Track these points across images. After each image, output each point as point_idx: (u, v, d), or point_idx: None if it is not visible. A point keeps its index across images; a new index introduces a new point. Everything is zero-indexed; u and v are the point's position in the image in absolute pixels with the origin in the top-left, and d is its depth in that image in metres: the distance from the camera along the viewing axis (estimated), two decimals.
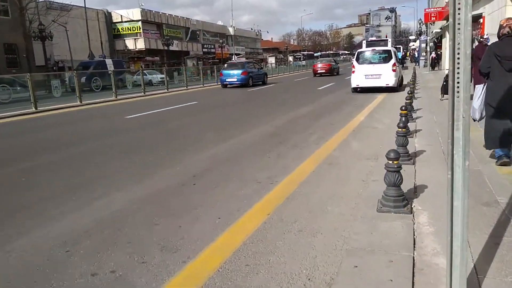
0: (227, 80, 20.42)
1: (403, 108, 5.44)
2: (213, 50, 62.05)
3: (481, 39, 8.19)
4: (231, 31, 69.97)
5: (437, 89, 13.06)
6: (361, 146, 5.80)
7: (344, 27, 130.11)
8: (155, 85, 23.18)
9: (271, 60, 66.48)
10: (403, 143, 4.52)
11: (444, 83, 6.64)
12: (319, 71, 29.87)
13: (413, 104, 8.17)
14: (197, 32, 61.69)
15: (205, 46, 62.87)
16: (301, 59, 70.55)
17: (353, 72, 14.20)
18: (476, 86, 4.91)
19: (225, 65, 23.06)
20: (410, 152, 4.63)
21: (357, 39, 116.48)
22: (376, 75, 13.68)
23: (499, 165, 4.03)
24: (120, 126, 9.09)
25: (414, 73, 18.16)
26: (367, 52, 14.42)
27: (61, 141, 7.43)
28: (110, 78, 21.40)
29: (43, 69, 27.44)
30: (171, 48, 52.67)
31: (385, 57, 13.90)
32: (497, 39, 4.18)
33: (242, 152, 5.75)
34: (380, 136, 6.35)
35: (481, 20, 11.09)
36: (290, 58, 75.78)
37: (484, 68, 4.17)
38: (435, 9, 23.05)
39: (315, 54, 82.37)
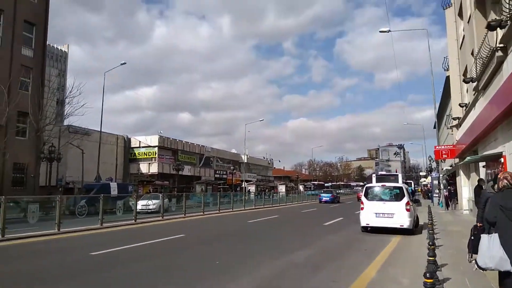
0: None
1: (428, 276, 3.87)
2: (225, 176, 62.85)
3: None
4: (244, 158, 72.03)
5: (460, 235, 11.36)
6: None
7: (354, 160, 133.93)
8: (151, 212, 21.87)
9: (281, 188, 66.24)
10: None
11: (472, 237, 5.16)
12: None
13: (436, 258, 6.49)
14: (211, 158, 63.65)
15: (217, 172, 64.02)
16: (311, 189, 70.21)
17: (362, 209, 12.80)
18: (482, 235, 4.57)
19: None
20: None
21: (367, 171, 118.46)
22: (388, 214, 12.21)
23: None
24: (69, 267, 7.47)
25: (430, 212, 16.62)
26: (377, 187, 13.27)
27: None
28: (114, 202, 20.67)
29: (45, 189, 27.05)
30: (183, 173, 53.58)
31: (397, 194, 12.63)
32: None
33: None
34: None
35: (502, 160, 10.04)
36: (301, 187, 75.70)
37: (491, 217, 4.33)
38: (445, 146, 22.80)
39: (326, 185, 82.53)
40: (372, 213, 12.43)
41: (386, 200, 12.59)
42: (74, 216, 19.13)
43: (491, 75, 11.20)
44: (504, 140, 10.19)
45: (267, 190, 64.96)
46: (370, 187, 13.31)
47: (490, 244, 4.34)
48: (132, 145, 51.46)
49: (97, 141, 34.22)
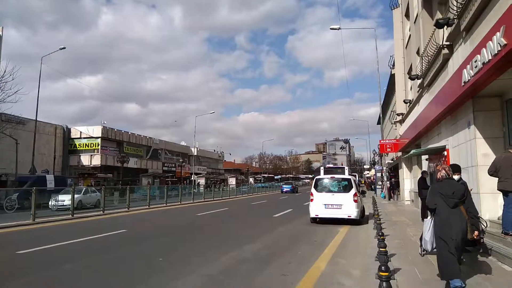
0: None
1: (383, 269, 3.71)
2: (173, 169, 61.22)
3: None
4: (194, 151, 70.67)
5: (404, 224, 11.79)
6: None
7: (303, 154, 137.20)
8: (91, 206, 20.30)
9: (232, 180, 65.99)
10: None
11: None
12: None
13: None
14: (159, 151, 61.57)
15: (165, 164, 62.14)
16: (261, 181, 70.77)
17: (312, 200, 12.83)
18: (424, 220, 5.44)
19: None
20: None
21: (315, 164, 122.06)
22: (337, 205, 12.35)
23: None
24: None
25: (375, 202, 17.21)
26: (326, 179, 13.37)
27: None
28: (50, 196, 18.85)
29: None
30: (128, 165, 51.15)
31: (345, 186, 12.82)
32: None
33: None
34: None
35: (445, 153, 10.45)
36: (251, 180, 76.01)
37: (431, 204, 4.90)
38: (389, 141, 23.82)
39: (275, 177, 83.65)
40: (321, 204, 12.50)
41: (335, 192, 12.72)
42: (2, 210, 17.33)
43: (436, 72, 11.63)
44: (448, 135, 10.63)
45: (218, 182, 64.43)
46: (320, 179, 13.38)
47: (431, 229, 4.96)
48: (73, 136, 48.13)
49: (32, 130, 31.42)
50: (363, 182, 61.76)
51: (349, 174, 14.41)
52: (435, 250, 4.90)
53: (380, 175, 32.41)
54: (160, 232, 11.36)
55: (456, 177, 5.76)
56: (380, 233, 6.34)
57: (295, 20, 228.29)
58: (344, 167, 16.05)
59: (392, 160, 31.09)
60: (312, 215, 12.72)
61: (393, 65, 24.15)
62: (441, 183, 4.94)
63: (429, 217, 5.17)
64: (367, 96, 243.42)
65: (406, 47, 19.89)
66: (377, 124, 45.55)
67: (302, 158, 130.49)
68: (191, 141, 75.76)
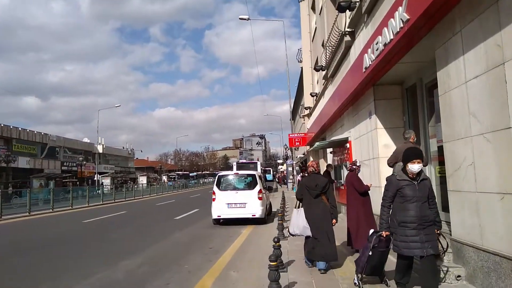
0: None
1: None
2: (75, 169, 55.22)
3: (353, 167, 6.60)
4: (99, 148, 64.78)
5: None
6: None
7: (220, 150, 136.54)
8: None
9: (142, 179, 61.99)
10: None
11: (369, 253, 4.89)
12: None
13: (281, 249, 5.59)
14: (57, 148, 54.99)
15: (65, 164, 55.78)
16: (175, 179, 67.98)
17: (214, 200, 11.60)
18: (294, 209, 5.96)
19: None
20: None
21: (232, 160, 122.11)
22: (240, 203, 11.30)
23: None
24: None
25: (283, 198, 16.73)
26: (230, 176, 12.27)
27: None
28: None
29: None
30: (19, 165, 44.54)
31: (250, 182, 11.84)
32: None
33: None
34: None
35: (348, 145, 10.02)
36: (164, 178, 72.63)
37: (298, 195, 5.84)
38: (298, 134, 23.81)
39: (191, 174, 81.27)
40: (224, 203, 11.35)
41: (238, 189, 11.68)
42: None
43: (339, 62, 11.24)
44: (350, 126, 10.25)
45: (129, 182, 59.99)
46: (223, 176, 12.23)
47: (298, 216, 5.59)
48: None
49: None
50: (278, 176, 63.09)
51: (263, 170, 13.56)
52: (297, 234, 5.68)
53: (291, 169, 32.73)
54: (25, 246, 9.05)
55: (416, 166, 4.29)
56: (276, 239, 5.34)
57: (212, 15, 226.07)
58: (256, 162, 15.29)
59: (303, 154, 31.60)
60: (214, 216, 11.51)
61: (301, 59, 24.18)
62: (309, 177, 5.74)
63: (297, 207, 5.88)
64: (283, 93, 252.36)
65: (312, 40, 19.83)
66: (290, 120, 46.53)
67: (219, 154, 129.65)
68: (103, 138, 69.53)
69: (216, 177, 12.31)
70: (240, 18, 24.15)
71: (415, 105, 7.40)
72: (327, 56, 12.80)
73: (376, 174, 7.78)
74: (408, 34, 5.14)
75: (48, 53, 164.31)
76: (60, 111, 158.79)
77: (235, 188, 11.78)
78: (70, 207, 20.87)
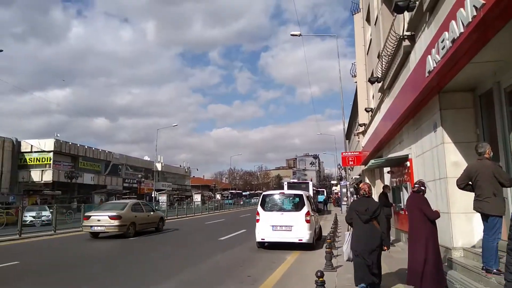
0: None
1: None
2: (135, 185, 57.75)
3: (421, 187, 5.49)
4: (158, 166, 67.45)
5: None
6: None
7: (273, 169, 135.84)
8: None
9: (197, 197, 63.05)
10: None
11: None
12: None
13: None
14: (119, 166, 58.15)
15: (126, 180, 58.67)
16: (229, 197, 68.25)
17: (258, 221, 10.83)
18: (345, 233, 6.20)
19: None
20: None
21: (284, 180, 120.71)
22: (286, 226, 10.40)
23: None
24: None
25: (335, 221, 15.46)
26: (275, 195, 11.47)
27: None
28: None
29: None
30: (84, 181, 47.56)
31: (297, 203, 10.91)
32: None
33: None
34: None
35: (408, 164, 8.80)
36: (218, 196, 73.29)
37: (348, 219, 5.63)
38: (352, 153, 22.39)
39: (244, 193, 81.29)
40: (268, 225, 10.52)
41: (284, 210, 10.80)
42: None
43: (397, 70, 10.13)
44: (410, 142, 9.02)
45: (184, 199, 61.39)
46: (268, 195, 11.46)
47: (348, 241, 5.45)
48: (23, 150, 44.26)
49: None
50: (332, 198, 60.64)
51: (315, 190, 12.63)
52: (351, 259, 5.44)
53: (345, 190, 30.96)
54: (65, 264, 8.96)
55: None
56: (319, 273, 4.44)
57: (268, 38, 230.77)
58: (308, 182, 14.36)
59: (358, 175, 29.80)
60: (258, 239, 10.69)
61: (355, 73, 22.98)
62: (358, 200, 5.62)
63: (348, 231, 5.76)
64: (337, 112, 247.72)
65: (367, 53, 18.68)
66: (346, 139, 44.68)
67: (272, 173, 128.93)
68: (162, 156, 72.64)
69: (261, 196, 11.57)
70: (292, 35, 23.70)
71: (491, 115, 6.15)
72: (383, 66, 11.71)
73: (443, 197, 6.53)
74: (483, 21, 4.12)
75: (116, 78, 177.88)
76: (126, 131, 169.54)
77: (281, 209, 10.92)
78: None
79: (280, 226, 10.41)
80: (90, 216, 14.45)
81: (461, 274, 5.36)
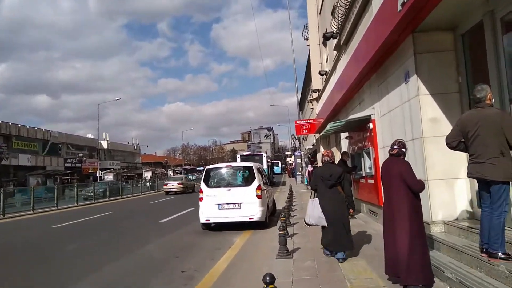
0: None
1: None
2: (79, 165, 53.61)
3: (402, 149, 4.12)
4: (104, 144, 63.31)
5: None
6: None
7: (228, 143, 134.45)
8: None
9: (147, 175, 60.27)
10: None
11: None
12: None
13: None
14: (59, 145, 53.42)
15: (68, 160, 54.25)
16: (182, 173, 66.02)
17: (201, 199, 9.28)
18: (309, 199, 5.77)
19: None
20: None
21: (240, 153, 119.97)
22: (234, 204, 8.97)
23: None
24: None
25: (290, 192, 14.37)
26: (222, 169, 9.96)
27: None
28: None
29: None
30: (19, 163, 43.05)
31: (246, 177, 9.50)
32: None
33: None
34: None
35: (371, 126, 7.57)
36: (170, 173, 70.78)
37: (313, 185, 5.74)
38: (306, 121, 21.32)
39: (198, 168, 79.26)
40: (214, 204, 9.03)
41: (232, 186, 9.35)
42: None
43: (356, 18, 8.76)
44: (372, 101, 7.80)
45: (135, 177, 58.33)
46: (212, 169, 9.93)
47: (313, 206, 5.48)
48: None
49: None
50: (286, 169, 60.67)
51: (269, 162, 11.27)
52: (313, 224, 5.60)
53: (299, 161, 30.24)
54: None
55: None
56: (268, 278, 3.03)
57: (219, 8, 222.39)
58: (262, 154, 13.00)
59: (312, 145, 29.08)
60: (202, 220, 9.17)
61: (308, 36, 21.51)
62: (323, 167, 5.68)
63: (312, 197, 5.67)
64: (291, 85, 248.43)
65: (320, 13, 17.26)
66: (299, 109, 43.62)
67: (227, 147, 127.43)
68: (111, 133, 68.07)
69: (204, 171, 9.94)
70: None
71: (476, 58, 4.96)
72: (339, 19, 10.33)
73: (419, 162, 5.34)
74: None
75: (57, 51, 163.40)
76: (71, 109, 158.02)
77: (228, 185, 9.45)
78: (56, 208, 18.85)
79: (228, 204, 8.96)
80: None
81: (449, 257, 4.23)
